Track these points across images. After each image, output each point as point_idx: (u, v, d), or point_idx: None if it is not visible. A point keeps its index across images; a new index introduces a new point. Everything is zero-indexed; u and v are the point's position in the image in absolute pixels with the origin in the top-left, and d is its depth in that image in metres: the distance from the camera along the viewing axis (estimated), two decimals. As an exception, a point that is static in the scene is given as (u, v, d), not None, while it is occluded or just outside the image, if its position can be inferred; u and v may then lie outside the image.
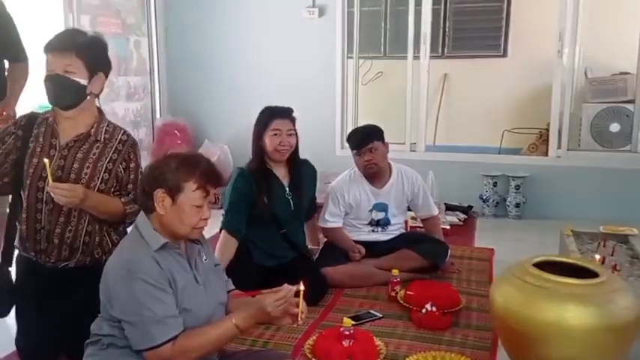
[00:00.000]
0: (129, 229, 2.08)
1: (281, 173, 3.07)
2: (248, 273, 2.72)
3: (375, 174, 3.35)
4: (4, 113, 2.87)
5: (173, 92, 5.69)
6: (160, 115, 5.62)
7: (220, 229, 3.03)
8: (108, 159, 2.17)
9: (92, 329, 1.81)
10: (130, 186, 2.22)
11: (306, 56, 5.28)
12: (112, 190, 2.19)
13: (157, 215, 1.77)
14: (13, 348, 2.32)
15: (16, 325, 2.28)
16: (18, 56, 3.04)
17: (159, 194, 1.74)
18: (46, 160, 2.03)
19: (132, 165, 2.22)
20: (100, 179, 2.15)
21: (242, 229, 2.95)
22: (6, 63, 3.07)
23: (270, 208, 2.99)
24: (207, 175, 1.78)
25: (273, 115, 2.98)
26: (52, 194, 2.01)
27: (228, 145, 5.38)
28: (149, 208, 1.78)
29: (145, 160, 5.45)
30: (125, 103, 5.15)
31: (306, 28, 5.24)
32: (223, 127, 5.55)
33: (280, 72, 5.34)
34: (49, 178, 2.01)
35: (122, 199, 2.18)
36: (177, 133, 5.42)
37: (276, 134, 2.95)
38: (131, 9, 5.18)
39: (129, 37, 5.17)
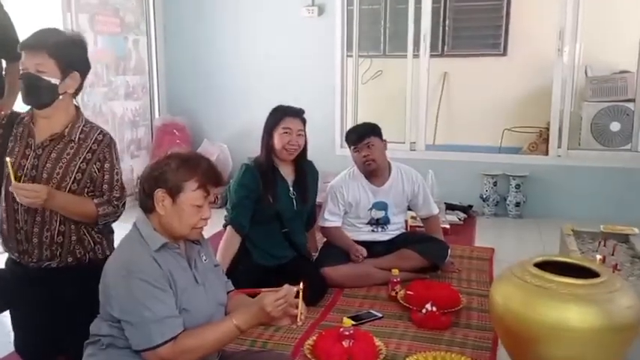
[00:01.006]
0: (118, 229, 2.07)
1: (286, 172, 3.07)
2: (248, 274, 2.71)
3: (373, 171, 3.34)
4: (2, 112, 2.86)
5: (172, 91, 5.68)
6: (159, 115, 5.61)
7: (224, 226, 3.02)
8: (82, 159, 2.15)
9: (91, 330, 1.80)
10: (105, 186, 2.19)
11: (305, 55, 5.27)
12: (86, 190, 2.17)
13: (156, 215, 1.76)
14: (12, 349, 2.32)
15: (12, 327, 2.28)
16: (16, 55, 3.02)
17: (159, 194, 1.73)
18: (7, 159, 2.02)
19: (106, 165, 2.20)
20: (72, 179, 2.13)
21: (247, 225, 2.95)
22: (3, 62, 3.06)
23: (275, 206, 2.98)
24: (208, 174, 1.78)
25: (285, 114, 2.99)
26: (15, 194, 2.00)
27: (227, 144, 5.37)
28: (149, 207, 1.77)
29: (144, 160, 5.49)
30: (124, 102, 5.14)
31: (306, 26, 5.23)
32: (222, 127, 5.54)
33: (279, 71, 5.33)
34: (12, 177, 2.00)
35: (95, 201, 2.16)
36: (176, 133, 5.41)
37: (286, 132, 2.95)
38: (130, 8, 5.16)
39: (127, 35, 5.16)
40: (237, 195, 2.97)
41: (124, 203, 2.24)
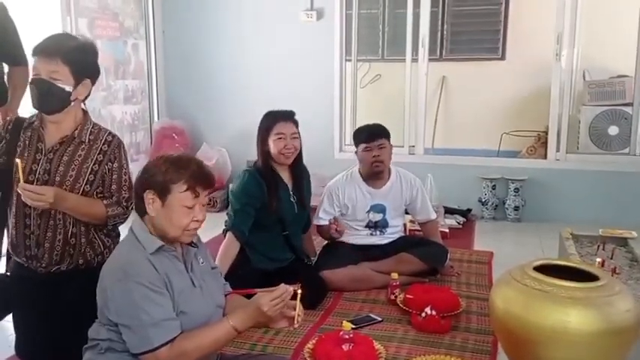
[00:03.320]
0: (123, 231, 2.06)
1: (285, 176, 3.09)
2: (247, 278, 2.71)
3: (378, 174, 3.36)
4: (7, 118, 2.86)
5: (171, 95, 5.68)
6: (158, 119, 5.61)
7: (224, 231, 3.01)
8: (93, 160, 2.16)
9: (90, 334, 1.80)
10: (113, 187, 2.19)
11: (304, 59, 5.27)
12: (97, 192, 2.16)
13: (150, 218, 1.77)
14: (12, 352, 2.32)
15: (14, 331, 2.27)
16: (18, 60, 3.03)
17: (148, 196, 1.75)
18: (17, 161, 2.03)
19: (115, 165, 2.20)
20: (84, 181, 2.13)
21: (247, 232, 2.95)
22: (5, 67, 3.06)
23: (278, 211, 2.99)
24: (197, 176, 1.78)
25: (277, 119, 2.99)
26: (21, 195, 2.00)
27: (226, 148, 5.38)
28: (143, 210, 1.78)
29: (143, 163, 5.44)
30: (123, 106, 5.14)
31: (305, 31, 5.24)
32: (221, 130, 5.54)
33: (278, 75, 5.34)
34: (21, 178, 2.00)
35: (104, 202, 2.16)
36: (175, 137, 5.41)
37: (280, 138, 2.96)
38: (129, 12, 5.17)
39: (126, 40, 5.16)
40: (240, 202, 2.97)
41: (133, 204, 2.24)
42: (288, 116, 3.02)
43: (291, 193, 3.08)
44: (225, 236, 2.99)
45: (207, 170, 1.84)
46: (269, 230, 3.02)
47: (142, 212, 1.79)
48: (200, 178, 1.79)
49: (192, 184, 1.76)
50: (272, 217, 2.99)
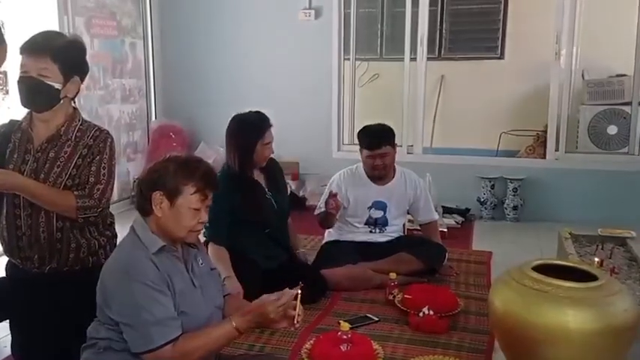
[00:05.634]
0: (120, 233, 2.05)
1: (257, 175, 3.10)
2: (254, 279, 2.74)
3: (380, 177, 3.36)
4: None
5: (168, 94, 5.67)
6: (156, 118, 5.61)
7: (205, 242, 2.94)
8: (78, 155, 2.14)
9: (89, 333, 1.80)
10: (91, 179, 2.14)
11: (302, 58, 5.27)
12: (76, 184, 2.13)
13: (154, 217, 1.76)
14: (8, 352, 2.31)
15: (10, 331, 2.26)
16: None
17: (157, 196, 1.74)
18: None
19: (97, 158, 2.16)
20: (67, 175, 2.11)
21: (225, 236, 2.93)
22: None
23: (260, 213, 3.01)
24: (206, 179, 1.78)
25: (265, 127, 3.01)
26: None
27: (223, 147, 5.32)
28: (146, 210, 1.77)
29: (141, 163, 5.46)
30: (120, 105, 5.13)
31: (303, 29, 5.23)
32: (219, 130, 5.46)
33: (276, 74, 5.32)
34: None
35: (75, 192, 2.11)
36: (173, 136, 5.41)
37: (268, 146, 3.01)
38: (126, 11, 5.16)
39: (124, 39, 5.15)
40: (211, 211, 2.95)
41: (108, 199, 2.19)
42: (270, 124, 3.04)
43: (266, 190, 3.09)
44: (207, 247, 2.91)
45: (215, 172, 1.85)
46: (254, 229, 3.02)
47: (146, 212, 1.78)
48: (209, 180, 1.79)
49: (201, 187, 1.76)
50: (257, 219, 3.00)
